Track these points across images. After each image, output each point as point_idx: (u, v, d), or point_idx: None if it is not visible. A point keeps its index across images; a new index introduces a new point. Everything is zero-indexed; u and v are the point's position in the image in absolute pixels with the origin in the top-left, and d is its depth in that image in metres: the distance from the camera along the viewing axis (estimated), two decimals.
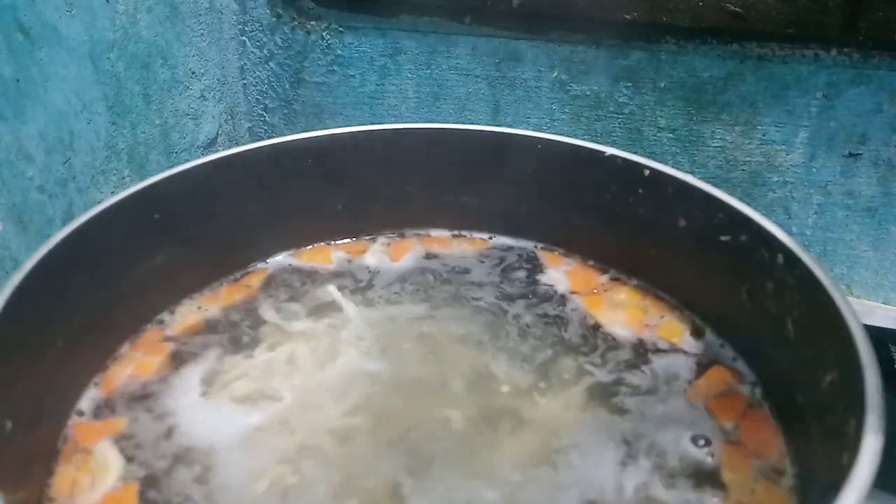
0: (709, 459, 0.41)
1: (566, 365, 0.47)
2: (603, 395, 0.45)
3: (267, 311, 0.52)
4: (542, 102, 0.72)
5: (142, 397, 0.45)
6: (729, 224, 0.46)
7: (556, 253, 0.57)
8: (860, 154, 0.65)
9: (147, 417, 0.44)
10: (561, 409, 0.44)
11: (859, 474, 0.30)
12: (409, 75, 0.74)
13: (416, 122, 0.60)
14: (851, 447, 0.31)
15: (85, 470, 0.41)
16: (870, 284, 0.70)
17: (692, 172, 0.50)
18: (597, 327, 0.51)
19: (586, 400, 0.45)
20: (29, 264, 0.40)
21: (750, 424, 0.43)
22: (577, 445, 0.42)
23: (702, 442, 0.42)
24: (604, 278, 0.55)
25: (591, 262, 0.56)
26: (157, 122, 0.67)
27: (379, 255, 0.58)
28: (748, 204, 0.46)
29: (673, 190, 0.50)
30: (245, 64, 0.79)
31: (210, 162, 0.51)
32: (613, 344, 0.49)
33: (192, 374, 0.47)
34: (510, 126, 0.60)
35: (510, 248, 0.58)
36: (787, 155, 0.67)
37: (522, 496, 0.39)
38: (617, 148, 0.52)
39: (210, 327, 0.51)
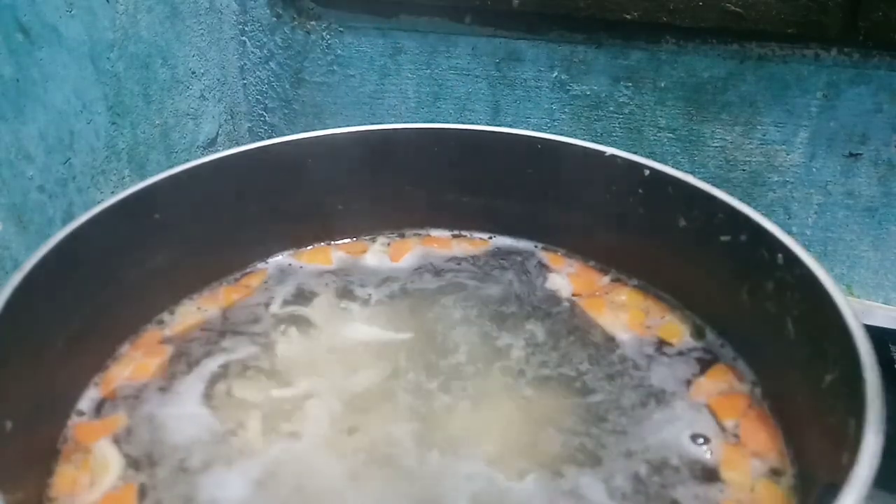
0: (707, 456, 0.41)
1: (567, 367, 0.47)
2: (605, 396, 0.45)
3: (266, 312, 0.52)
4: (542, 102, 0.72)
5: (141, 397, 0.45)
6: (729, 224, 0.46)
7: (558, 253, 0.57)
8: (860, 154, 0.65)
9: (146, 417, 0.44)
10: (564, 409, 0.44)
11: (859, 474, 0.30)
12: (409, 75, 0.74)
13: (416, 122, 0.60)
14: (851, 447, 0.31)
15: (84, 469, 0.41)
16: (870, 284, 0.70)
17: (692, 172, 0.50)
18: (599, 330, 0.50)
19: (590, 401, 0.45)
20: (29, 264, 0.40)
21: (750, 424, 0.43)
22: (581, 444, 0.42)
23: (700, 440, 0.42)
24: (605, 279, 0.55)
25: (591, 263, 0.56)
26: (157, 122, 0.67)
27: (379, 255, 0.58)
28: (748, 204, 0.46)
29: (673, 190, 0.50)
30: (245, 64, 0.79)
31: (210, 162, 0.51)
32: (615, 346, 0.49)
33: (192, 375, 0.47)
34: (510, 126, 0.60)
35: (510, 249, 0.58)
36: (787, 155, 0.67)
37: (528, 487, 0.39)
38: (617, 148, 0.52)
39: (209, 328, 0.51)
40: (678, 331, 0.50)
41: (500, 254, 0.58)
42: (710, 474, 0.40)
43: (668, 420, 0.43)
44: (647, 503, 0.39)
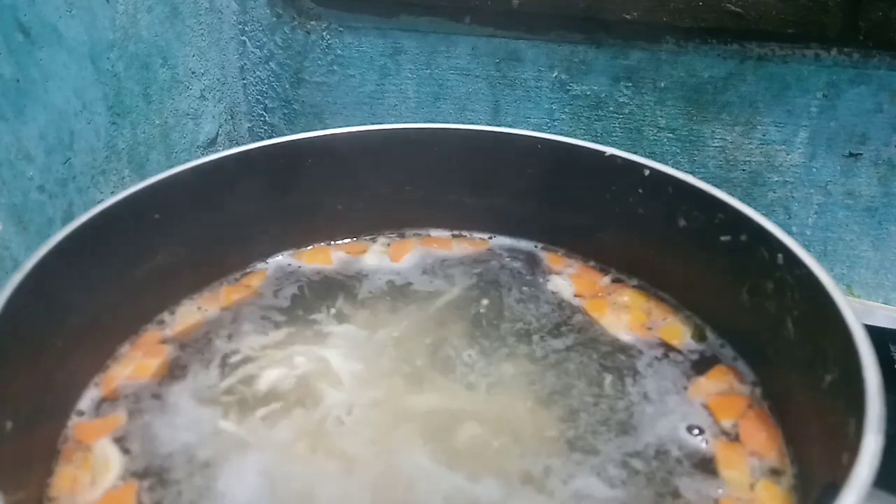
0: (703, 446, 0.42)
1: (568, 368, 0.47)
2: (607, 395, 0.45)
3: (266, 312, 0.52)
4: (542, 102, 0.72)
5: (142, 397, 0.45)
6: (729, 224, 0.46)
7: (558, 253, 0.57)
8: (860, 154, 0.65)
9: (147, 417, 0.44)
10: (565, 407, 0.44)
11: (859, 474, 0.30)
12: (409, 75, 0.74)
13: (416, 122, 0.60)
14: (851, 447, 0.31)
15: (85, 468, 0.41)
16: (870, 284, 0.70)
17: (692, 172, 0.50)
18: (601, 332, 0.50)
19: (592, 401, 0.45)
20: (29, 264, 0.40)
21: (750, 424, 0.43)
22: (581, 441, 0.42)
23: (696, 431, 0.43)
24: (605, 280, 0.55)
25: (591, 263, 0.56)
26: (157, 122, 0.67)
27: (379, 255, 0.58)
28: (748, 204, 0.46)
29: (673, 190, 0.49)
30: (245, 64, 0.79)
31: (210, 162, 0.51)
32: (617, 348, 0.49)
33: (192, 375, 0.47)
34: (510, 126, 0.60)
35: (510, 249, 0.58)
36: (787, 155, 0.67)
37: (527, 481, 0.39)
38: (617, 148, 0.52)
39: (210, 328, 0.51)
40: (679, 332, 0.50)
41: (500, 254, 0.58)
42: (707, 465, 0.40)
43: (664, 415, 0.44)
44: (649, 493, 0.39)
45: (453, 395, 0.45)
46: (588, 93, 0.70)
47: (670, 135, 0.70)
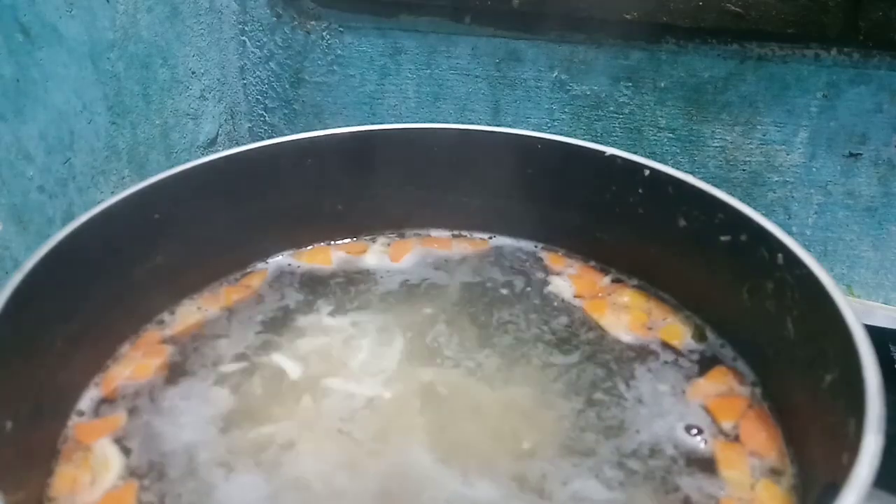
0: (702, 446, 0.42)
1: (567, 370, 0.47)
2: (605, 397, 0.45)
3: (266, 312, 0.52)
4: (542, 102, 0.72)
5: (142, 397, 0.45)
6: (729, 224, 0.46)
7: (558, 253, 0.57)
8: (860, 154, 0.65)
9: (146, 417, 0.44)
10: (564, 408, 0.44)
11: (859, 474, 0.30)
12: (409, 75, 0.74)
13: (416, 122, 0.60)
14: (851, 447, 0.31)
15: (85, 468, 0.41)
16: (870, 284, 0.70)
17: (692, 172, 0.50)
18: (601, 332, 0.50)
19: (590, 402, 0.45)
20: (29, 264, 0.40)
21: (750, 424, 0.43)
22: (580, 440, 0.42)
23: (694, 431, 0.43)
24: (606, 280, 0.55)
25: (591, 263, 0.56)
26: (157, 122, 0.67)
27: (379, 255, 0.58)
28: (748, 204, 0.46)
29: (673, 190, 0.50)
30: (245, 64, 0.79)
31: (210, 162, 0.51)
32: (616, 349, 0.49)
33: (192, 375, 0.47)
34: (510, 126, 0.60)
35: (510, 249, 0.58)
36: (787, 155, 0.67)
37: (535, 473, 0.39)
38: (617, 148, 0.52)
39: (210, 328, 0.51)
40: (679, 332, 0.50)
41: (500, 254, 0.58)
42: (707, 465, 0.40)
43: (662, 416, 0.44)
44: (650, 493, 0.39)
45: (451, 394, 0.45)
46: (588, 93, 0.70)
47: (670, 135, 0.70)
